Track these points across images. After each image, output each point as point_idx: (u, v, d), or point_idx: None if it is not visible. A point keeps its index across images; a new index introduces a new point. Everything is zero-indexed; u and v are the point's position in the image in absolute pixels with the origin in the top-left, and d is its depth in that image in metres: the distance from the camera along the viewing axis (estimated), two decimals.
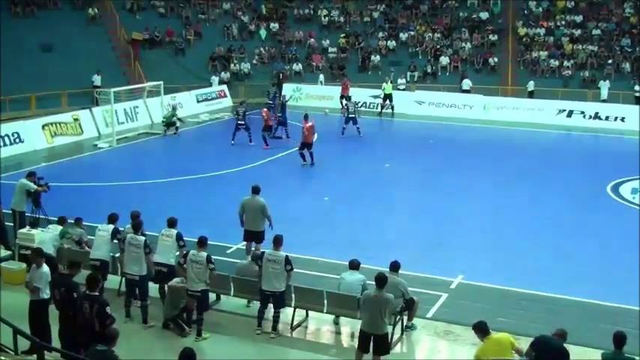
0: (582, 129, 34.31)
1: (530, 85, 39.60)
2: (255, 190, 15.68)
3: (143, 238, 13.09)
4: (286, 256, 12.63)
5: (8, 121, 29.80)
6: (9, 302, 12.57)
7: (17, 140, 27.63)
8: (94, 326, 10.03)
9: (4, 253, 15.54)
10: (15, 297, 12.79)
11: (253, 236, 15.53)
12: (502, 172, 25.26)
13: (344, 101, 34.20)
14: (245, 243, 15.89)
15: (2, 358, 2.30)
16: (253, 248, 15.38)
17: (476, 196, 22.27)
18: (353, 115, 30.66)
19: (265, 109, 29.58)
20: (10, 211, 16.88)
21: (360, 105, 35.89)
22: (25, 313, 11.52)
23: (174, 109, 32.11)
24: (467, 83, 40.08)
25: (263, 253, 12.94)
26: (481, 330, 9.73)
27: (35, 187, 17.12)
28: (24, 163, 25.08)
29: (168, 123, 30.95)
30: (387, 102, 37.04)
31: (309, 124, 25.04)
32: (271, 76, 42.96)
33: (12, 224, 16.54)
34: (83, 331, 10.18)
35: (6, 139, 27.22)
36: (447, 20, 48.35)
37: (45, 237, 14.53)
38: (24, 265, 14.18)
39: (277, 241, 12.83)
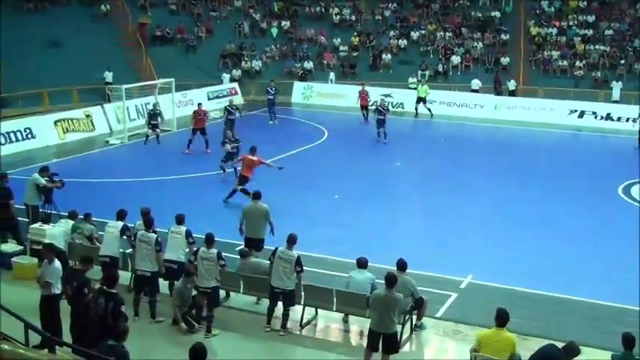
0: (594, 129, 34.17)
1: (474, 84, 39.70)
2: (257, 196, 15.47)
3: (154, 235, 13.15)
4: (298, 256, 12.65)
5: (20, 116, 29.98)
6: (20, 297, 12.66)
7: (29, 136, 27.79)
8: (107, 322, 10.09)
9: (16, 248, 15.65)
10: (26, 292, 12.86)
11: (253, 244, 14.93)
12: (512, 172, 25.20)
13: (364, 112, 34.06)
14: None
15: (16, 350, 2.34)
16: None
17: (486, 196, 22.23)
18: (383, 117, 29.57)
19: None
20: (24, 206, 17.00)
21: (371, 104, 35.78)
22: (37, 308, 11.60)
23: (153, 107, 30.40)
24: (476, 83, 39.96)
25: (276, 248, 12.95)
26: (500, 318, 9.66)
27: (44, 182, 17.21)
28: (36, 158, 25.20)
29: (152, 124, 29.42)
30: (421, 104, 36.33)
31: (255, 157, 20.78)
32: (281, 74, 43.11)
33: (25, 219, 16.65)
34: (95, 326, 10.24)
35: (18, 134, 27.39)
36: (459, 19, 48.26)
37: (56, 232, 14.62)
38: (35, 260, 14.23)
39: (291, 240, 12.82)
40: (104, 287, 10.56)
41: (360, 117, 34.44)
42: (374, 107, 30.22)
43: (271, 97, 34.21)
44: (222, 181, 22.49)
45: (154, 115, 29.10)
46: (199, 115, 27.65)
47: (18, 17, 39.33)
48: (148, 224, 13.37)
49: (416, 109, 36.52)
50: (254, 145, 20.90)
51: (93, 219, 15.63)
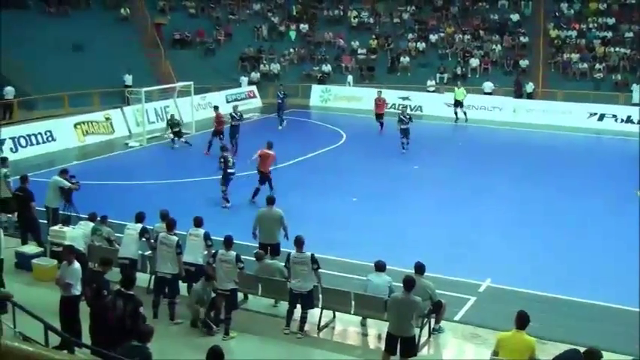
0: (614, 132, 33.89)
1: (487, 87, 39.59)
2: (271, 201, 15.44)
3: (176, 238, 13.20)
4: (312, 255, 12.71)
5: (41, 119, 30.24)
6: (40, 298, 12.78)
7: (50, 138, 28.02)
8: (125, 324, 10.15)
9: (36, 249, 15.77)
10: (46, 293, 12.97)
11: (269, 249, 14.84)
12: (531, 176, 25.05)
13: (381, 121, 32.49)
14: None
15: (34, 350, 2.37)
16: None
17: (505, 199, 22.14)
18: (406, 127, 28.29)
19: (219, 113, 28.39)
20: (44, 208, 17.14)
21: (389, 107, 35.73)
22: (56, 309, 11.68)
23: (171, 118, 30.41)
24: (489, 86, 39.82)
25: (289, 254, 12.98)
26: (520, 320, 9.60)
27: (69, 184, 17.42)
28: (56, 161, 25.39)
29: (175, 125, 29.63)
30: (458, 108, 35.77)
31: (272, 152, 21.32)
32: (299, 77, 43.21)
33: (45, 221, 16.78)
34: (114, 328, 10.29)
35: (39, 137, 27.65)
36: (478, 22, 48.11)
37: (76, 234, 14.73)
38: (55, 262, 14.33)
39: (299, 243, 12.88)
40: (122, 289, 10.62)
41: (377, 125, 32.73)
42: (397, 117, 28.87)
43: (280, 101, 34.12)
44: (242, 186, 22.51)
45: (174, 125, 29.27)
46: (219, 119, 27.80)
47: (41, 21, 39.73)
48: (170, 226, 13.42)
49: (455, 113, 35.85)
50: (271, 140, 21.44)
51: (112, 221, 15.73)
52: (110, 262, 12.06)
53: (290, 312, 12.90)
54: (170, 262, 13.12)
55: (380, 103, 32.82)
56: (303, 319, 12.77)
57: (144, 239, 14.05)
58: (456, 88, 36.63)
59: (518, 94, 39.42)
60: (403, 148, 28.25)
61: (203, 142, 27.90)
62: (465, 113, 35.74)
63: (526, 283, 15.08)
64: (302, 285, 12.68)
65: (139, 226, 14.14)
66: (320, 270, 12.84)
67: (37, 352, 2.01)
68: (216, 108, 29.13)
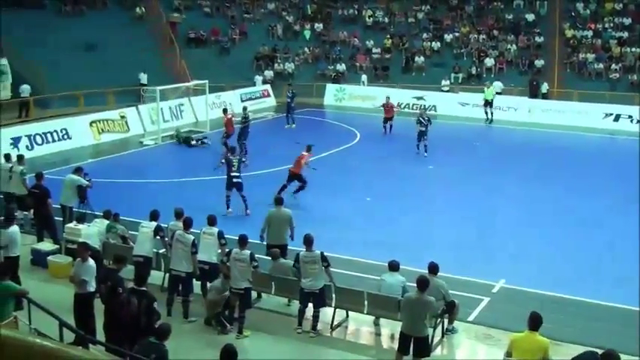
0: (629, 133, 33.66)
1: (496, 86, 38.88)
2: (280, 202, 15.43)
3: (192, 237, 13.26)
4: (321, 253, 12.72)
5: (57, 117, 30.42)
6: (55, 295, 12.87)
7: (65, 136, 28.18)
8: (140, 321, 10.21)
9: (52, 246, 15.88)
10: (61, 290, 13.04)
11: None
12: (546, 176, 24.96)
13: (387, 125, 31.95)
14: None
15: (51, 345, 2.40)
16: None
17: (519, 200, 22.06)
18: (425, 129, 27.74)
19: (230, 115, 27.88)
20: (60, 206, 17.25)
21: (403, 106, 35.69)
22: (71, 306, 11.76)
23: (177, 131, 30.76)
24: (498, 85, 39.67)
25: (298, 254, 12.99)
26: (534, 321, 9.57)
27: (86, 182, 17.54)
28: (72, 159, 25.53)
29: (186, 139, 29.82)
30: (488, 107, 35.47)
31: (306, 154, 21.45)
32: (314, 77, 43.26)
33: (61, 219, 16.88)
34: (129, 325, 10.35)
35: (55, 134, 27.81)
36: (493, 21, 47.96)
37: (91, 231, 14.81)
38: (70, 259, 14.41)
39: (308, 241, 12.87)
40: (135, 286, 10.69)
41: (384, 128, 32.20)
42: (417, 119, 28.33)
43: (289, 100, 33.95)
44: (256, 185, 22.53)
45: (180, 135, 29.70)
46: (229, 121, 27.52)
47: (57, 21, 39.98)
48: (187, 225, 13.47)
49: (486, 112, 35.58)
50: (311, 144, 21.66)
51: (126, 219, 15.80)
52: (124, 260, 12.13)
53: (302, 311, 12.92)
54: (185, 260, 13.17)
55: (389, 107, 32.26)
56: (316, 317, 12.78)
57: (158, 237, 14.11)
58: (485, 88, 36.27)
59: (534, 94, 39.23)
60: (423, 151, 27.71)
61: (216, 140, 27.91)
62: (491, 114, 35.45)
63: (540, 284, 15.02)
64: (313, 284, 12.68)
65: (154, 224, 14.20)
66: (331, 268, 12.85)
67: (56, 347, 2.03)
68: (224, 111, 28.66)
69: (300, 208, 17.65)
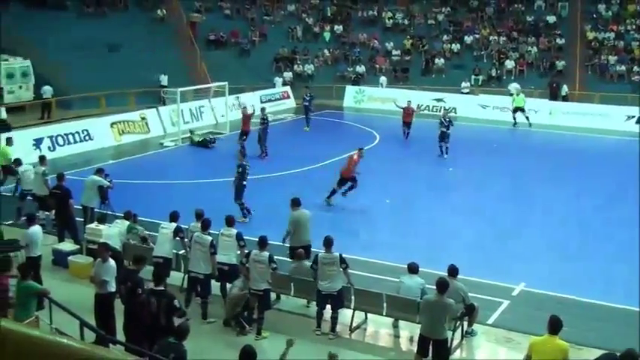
0: None
1: (512, 88, 39.02)
2: (299, 203, 15.22)
3: (210, 238, 13.29)
4: (340, 255, 12.72)
5: (78, 118, 30.65)
6: (76, 295, 12.96)
7: (87, 138, 28.37)
8: (160, 321, 10.26)
9: (73, 247, 15.99)
10: (82, 290, 13.14)
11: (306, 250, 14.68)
12: (566, 178, 24.81)
13: (406, 129, 30.95)
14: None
15: (74, 344, 2.44)
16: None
17: (539, 202, 21.95)
18: (447, 131, 27.60)
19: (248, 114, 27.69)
20: (81, 207, 17.37)
21: (423, 108, 35.53)
22: (92, 306, 11.84)
23: (191, 132, 30.59)
24: (515, 87, 39.55)
25: (317, 255, 13.00)
26: (553, 325, 9.53)
27: (107, 183, 17.66)
28: (93, 160, 25.69)
29: (202, 142, 29.73)
30: (518, 113, 35.03)
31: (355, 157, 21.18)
32: (334, 79, 43.28)
33: (82, 219, 17.00)
34: (149, 325, 10.41)
35: (76, 136, 28.00)
36: (513, 23, 47.74)
37: (112, 232, 14.89)
38: (91, 260, 14.51)
39: (328, 243, 12.86)
40: (153, 287, 10.75)
41: (403, 132, 31.30)
42: (439, 120, 28.26)
43: (307, 103, 33.50)
44: (276, 186, 22.54)
45: (195, 137, 29.74)
46: (245, 118, 27.48)
47: (79, 22, 40.29)
48: (205, 226, 13.52)
49: (514, 117, 35.19)
50: (362, 147, 21.47)
51: (147, 220, 15.88)
52: (143, 260, 12.15)
53: (319, 313, 12.93)
54: (203, 261, 13.21)
55: (409, 112, 31.20)
56: (334, 319, 12.78)
57: (178, 238, 14.16)
58: (515, 96, 35.84)
59: (554, 96, 38.98)
60: (444, 153, 27.62)
61: (236, 141, 27.94)
62: (527, 118, 34.92)
63: (561, 288, 14.92)
64: (331, 286, 12.68)
65: (174, 225, 14.24)
66: (350, 270, 12.84)
67: (80, 347, 2.04)
68: (245, 108, 28.37)
69: (319, 208, 17.66)
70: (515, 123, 35.28)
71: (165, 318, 10.28)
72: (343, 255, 12.85)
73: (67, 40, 37.33)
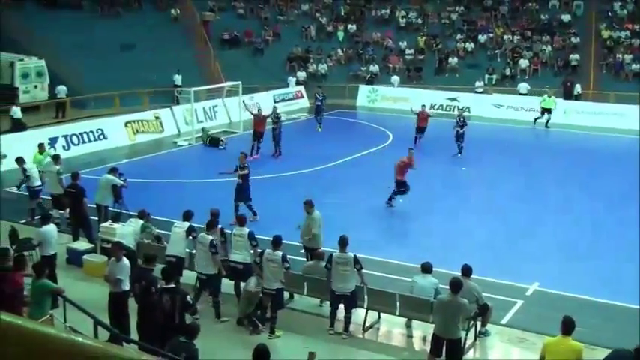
0: None
1: (522, 88, 39.34)
2: (312, 204, 15.06)
3: (210, 237, 13.27)
4: (354, 255, 12.70)
5: (93, 118, 30.80)
6: (90, 294, 13.03)
7: (101, 137, 28.50)
8: (174, 318, 10.30)
9: (87, 245, 16.07)
10: (96, 288, 13.20)
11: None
12: (580, 178, 24.70)
13: (419, 135, 29.31)
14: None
15: (89, 342, 2.45)
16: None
17: (553, 202, 21.84)
18: (462, 131, 27.58)
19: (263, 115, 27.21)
20: (95, 206, 17.46)
21: (437, 107, 35.41)
22: (106, 305, 11.90)
23: (203, 130, 30.47)
24: (524, 87, 39.38)
25: (331, 254, 12.99)
26: (566, 325, 9.51)
27: (122, 182, 17.74)
28: (107, 159, 25.80)
29: (211, 140, 29.69)
30: (545, 114, 34.45)
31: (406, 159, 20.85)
32: (347, 79, 43.29)
33: (96, 218, 17.08)
34: (163, 323, 10.45)
35: (90, 135, 28.14)
36: (527, 22, 47.55)
37: (126, 231, 14.95)
38: (105, 258, 14.58)
39: (343, 243, 12.85)
40: (165, 285, 10.79)
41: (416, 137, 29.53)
42: (455, 120, 28.10)
43: (319, 103, 33.15)
44: (292, 186, 22.52)
45: (206, 135, 29.66)
46: (258, 119, 26.93)
47: (93, 22, 40.46)
48: (209, 226, 13.54)
49: (538, 118, 34.77)
50: (411, 148, 21.28)
51: (162, 219, 15.93)
52: (154, 259, 12.14)
53: (333, 313, 12.93)
54: (205, 261, 13.22)
55: (424, 116, 29.60)
56: (348, 319, 12.79)
57: (190, 237, 14.18)
58: (546, 96, 35.20)
59: (568, 95, 38.78)
60: (457, 152, 27.68)
61: (249, 141, 27.99)
62: (548, 121, 34.37)
63: (575, 287, 14.86)
64: (344, 286, 12.67)
65: (186, 224, 14.27)
66: (364, 270, 12.83)
67: (91, 344, 2.05)
68: (259, 110, 27.96)
69: (332, 208, 17.66)
70: (536, 119, 34.86)
71: (179, 316, 10.31)
72: (357, 255, 12.84)
73: (81, 40, 37.52)
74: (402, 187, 20.34)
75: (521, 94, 39.18)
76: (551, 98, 35.22)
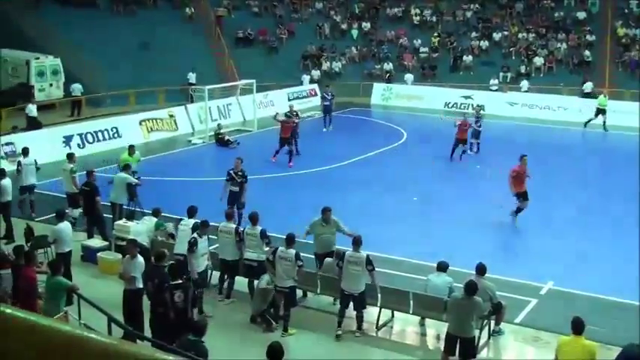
0: None
1: (524, 85, 38.87)
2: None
3: (193, 236, 13.18)
4: (367, 256, 12.60)
5: (108, 116, 30.92)
6: (105, 291, 13.09)
7: (116, 135, 28.60)
8: (187, 313, 10.31)
9: (102, 243, 16.14)
10: (111, 286, 13.27)
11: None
12: (596, 177, 24.58)
13: (463, 147, 26.81)
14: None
15: (104, 340, 2.46)
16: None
17: (567, 200, 21.73)
18: (479, 129, 27.68)
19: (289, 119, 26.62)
20: (110, 204, 17.52)
21: (451, 105, 35.29)
22: (120, 302, 11.95)
23: (219, 127, 30.51)
24: (525, 85, 39.28)
25: (344, 253, 12.94)
26: (576, 325, 9.48)
27: (137, 181, 17.79)
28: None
29: (218, 139, 29.66)
30: (600, 116, 33.65)
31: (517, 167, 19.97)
32: (362, 77, 43.25)
33: (110, 216, 17.14)
34: (176, 320, 10.48)
35: (105, 133, 28.25)
36: (542, 20, 47.30)
37: (140, 229, 14.99)
38: (120, 256, 14.63)
39: (357, 242, 12.77)
40: (172, 281, 10.82)
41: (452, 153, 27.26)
42: (474, 118, 28.04)
43: (327, 103, 32.28)
44: (305, 186, 22.51)
45: (219, 133, 29.61)
46: (287, 124, 25.95)
47: (109, 20, 40.58)
48: (202, 226, 13.44)
49: (604, 122, 33.53)
50: (524, 154, 20.17)
51: (177, 217, 15.97)
52: (163, 256, 12.06)
53: (341, 312, 12.76)
54: (195, 261, 13.05)
55: (465, 128, 26.70)
56: (359, 318, 12.72)
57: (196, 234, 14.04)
58: (602, 96, 34.49)
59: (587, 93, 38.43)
60: (475, 150, 27.69)
61: (264, 139, 28.06)
62: (604, 122, 33.63)
63: (590, 287, 14.78)
64: (353, 286, 12.53)
65: (192, 221, 14.09)
66: (378, 268, 12.77)
67: (113, 343, 2.06)
68: (282, 115, 27.37)
69: (346, 206, 17.64)
70: (588, 122, 33.87)
71: (191, 310, 10.32)
72: (371, 254, 12.80)
73: (97, 39, 37.66)
74: (523, 198, 19.46)
75: (524, 91, 39.16)
76: (605, 97, 34.48)
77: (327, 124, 32.32)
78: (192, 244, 12.97)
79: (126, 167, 18.27)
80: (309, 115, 36.25)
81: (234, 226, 13.94)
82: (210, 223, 13.85)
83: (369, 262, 12.53)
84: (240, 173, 18.21)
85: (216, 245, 14.39)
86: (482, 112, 29.65)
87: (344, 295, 12.71)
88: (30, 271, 11.19)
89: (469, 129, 27.08)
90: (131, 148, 20.39)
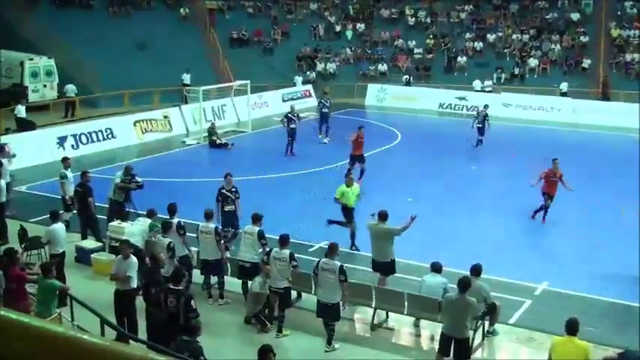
0: None
1: (564, 87, 38.97)
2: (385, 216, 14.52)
3: (167, 240, 13.12)
4: (341, 265, 12.09)
5: (102, 117, 30.86)
6: (98, 293, 13.06)
7: (110, 136, 28.54)
8: (179, 319, 10.29)
9: (95, 244, 16.09)
10: (104, 287, 13.19)
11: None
12: (590, 178, 24.54)
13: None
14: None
15: (94, 340, 2.42)
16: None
17: (563, 201, 21.71)
18: (481, 125, 28.19)
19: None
20: (107, 202, 17.46)
21: (445, 106, 35.36)
22: (112, 304, 11.90)
23: (212, 126, 30.01)
24: (565, 86, 39.34)
25: (319, 261, 12.48)
26: (570, 327, 9.50)
27: (123, 184, 17.54)
28: (116, 158, 25.89)
29: (211, 142, 29.39)
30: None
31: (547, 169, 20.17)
32: (356, 78, 43.23)
33: (105, 217, 17.09)
34: (168, 324, 10.45)
35: (99, 134, 28.18)
36: (536, 21, 47.38)
37: (135, 230, 14.96)
38: (114, 257, 14.57)
39: (332, 249, 12.34)
40: (170, 285, 10.78)
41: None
42: (476, 115, 28.50)
43: (326, 110, 30.40)
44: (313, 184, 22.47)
45: (212, 133, 29.34)
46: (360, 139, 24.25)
47: (103, 21, 40.56)
48: (165, 229, 13.43)
49: None
50: (556, 158, 20.09)
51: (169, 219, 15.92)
52: (159, 258, 12.10)
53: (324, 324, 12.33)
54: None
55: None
56: (330, 331, 12.19)
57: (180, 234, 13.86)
58: None
59: (607, 95, 38.37)
60: (481, 143, 28.15)
61: (258, 140, 28.03)
62: None
63: (585, 287, 14.80)
64: (325, 295, 12.12)
65: (175, 220, 13.97)
66: (346, 283, 12.14)
67: (105, 344, 2.04)
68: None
69: (368, 209, 17.64)
70: None
71: (184, 317, 10.26)
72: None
73: (91, 39, 37.61)
74: (551, 201, 19.46)
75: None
76: None
77: (323, 132, 30.39)
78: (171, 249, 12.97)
79: (126, 169, 18.12)
80: (305, 116, 36.22)
81: (213, 226, 13.89)
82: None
83: (342, 271, 11.97)
84: (233, 190, 16.53)
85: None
86: (470, 112, 29.74)
87: (319, 303, 12.27)
88: (14, 270, 11.11)
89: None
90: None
